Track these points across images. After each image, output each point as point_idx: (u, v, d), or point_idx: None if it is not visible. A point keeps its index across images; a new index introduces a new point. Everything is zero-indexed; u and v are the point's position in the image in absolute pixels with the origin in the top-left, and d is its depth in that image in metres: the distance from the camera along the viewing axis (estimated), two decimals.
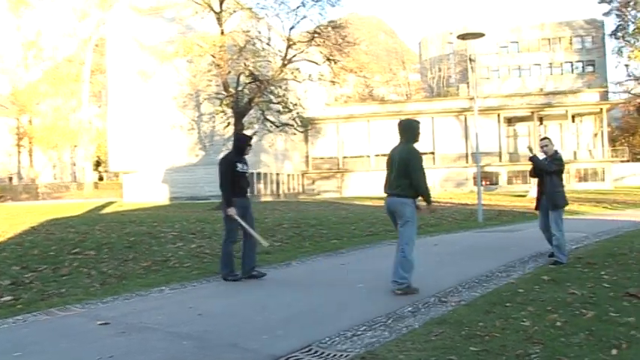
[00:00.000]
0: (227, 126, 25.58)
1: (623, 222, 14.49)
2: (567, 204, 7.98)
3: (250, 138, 7.34)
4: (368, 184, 46.49)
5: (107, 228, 12.03)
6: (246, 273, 7.01)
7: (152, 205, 28.48)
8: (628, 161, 55.36)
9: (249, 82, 24.56)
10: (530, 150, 8.02)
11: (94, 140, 57.12)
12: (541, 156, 8.05)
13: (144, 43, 34.50)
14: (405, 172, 5.82)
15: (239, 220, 6.81)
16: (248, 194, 7.18)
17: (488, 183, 44.58)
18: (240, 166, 6.97)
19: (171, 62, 27.37)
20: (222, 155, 7.40)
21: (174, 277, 7.23)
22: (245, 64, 23.76)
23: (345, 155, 48.74)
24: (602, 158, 46.46)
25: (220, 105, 25.11)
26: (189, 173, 37.13)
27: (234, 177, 6.91)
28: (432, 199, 6.04)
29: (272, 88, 25.05)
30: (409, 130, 6.06)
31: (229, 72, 24.02)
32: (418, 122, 6.19)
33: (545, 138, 8.04)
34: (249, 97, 24.36)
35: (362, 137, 48.04)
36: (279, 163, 43.85)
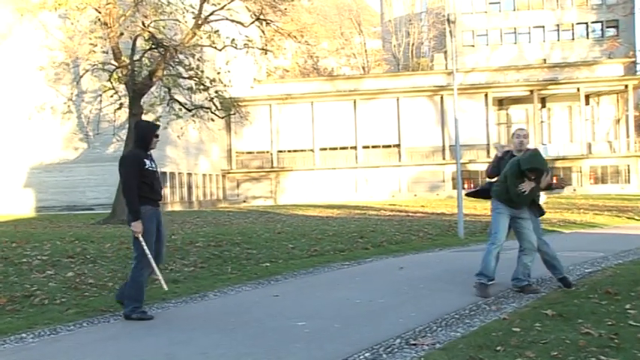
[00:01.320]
0: (119, 108, 25.14)
1: None
2: None
3: (157, 127, 7.26)
4: (311, 187, 46.62)
5: None
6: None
7: (9, 219, 27.73)
8: None
9: (150, 49, 24.26)
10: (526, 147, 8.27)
11: None
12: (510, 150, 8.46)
13: None
14: None
15: (142, 242, 6.72)
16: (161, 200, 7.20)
17: (472, 186, 45.32)
18: (148, 163, 6.93)
19: (36, 17, 26.62)
20: (123, 151, 7.32)
21: (40, 318, 7.01)
22: (144, 24, 23.43)
23: (282, 149, 48.80)
24: (626, 152, 47.86)
25: (109, 80, 24.71)
26: (65, 174, 36.30)
27: (145, 178, 6.85)
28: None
29: (181, 57, 24.82)
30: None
31: (121, 34, 23.65)
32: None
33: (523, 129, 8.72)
34: (150, 69, 24.08)
35: (304, 125, 48.23)
36: (192, 160, 43.40)
